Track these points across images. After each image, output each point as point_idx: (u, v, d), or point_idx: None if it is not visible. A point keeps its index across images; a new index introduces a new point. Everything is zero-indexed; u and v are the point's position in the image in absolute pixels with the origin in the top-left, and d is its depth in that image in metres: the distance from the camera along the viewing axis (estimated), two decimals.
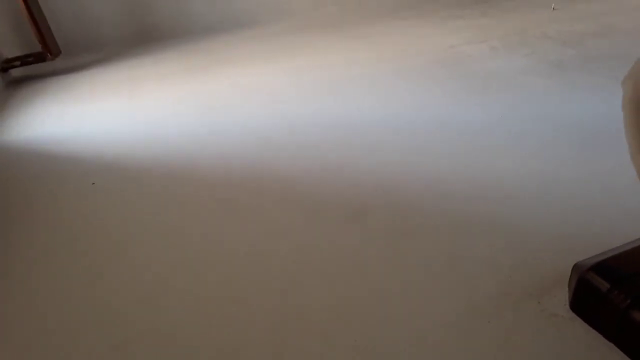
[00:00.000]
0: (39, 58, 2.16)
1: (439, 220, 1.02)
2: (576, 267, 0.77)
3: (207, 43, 2.45)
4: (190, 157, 1.42)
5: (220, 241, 1.05)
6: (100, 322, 0.88)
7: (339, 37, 2.32)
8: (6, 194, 1.35)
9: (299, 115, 1.58)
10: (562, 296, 0.79)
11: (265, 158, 1.36)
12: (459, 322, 0.78)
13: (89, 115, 1.79)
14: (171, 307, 0.89)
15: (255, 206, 1.15)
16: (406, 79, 1.75)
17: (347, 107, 1.59)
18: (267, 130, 1.51)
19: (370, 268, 0.92)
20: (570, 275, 0.78)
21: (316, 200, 1.14)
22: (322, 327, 0.81)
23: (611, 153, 1.18)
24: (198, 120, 1.64)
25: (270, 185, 1.23)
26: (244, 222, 1.10)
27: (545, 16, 2.26)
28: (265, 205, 1.15)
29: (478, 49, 1.96)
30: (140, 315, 0.88)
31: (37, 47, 2.16)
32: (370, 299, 0.85)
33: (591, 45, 1.87)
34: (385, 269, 0.91)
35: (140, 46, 2.48)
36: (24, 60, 2.16)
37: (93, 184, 1.33)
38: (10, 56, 2.21)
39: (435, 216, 1.03)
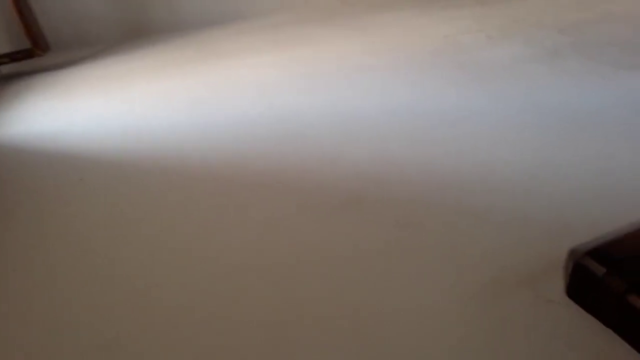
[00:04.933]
0: (27, 54, 2.14)
1: (432, 209, 1.00)
2: (572, 253, 0.75)
3: (199, 37, 2.42)
4: (181, 151, 1.39)
5: (213, 236, 1.02)
6: (87, 321, 0.85)
7: (333, 28, 2.29)
8: None
9: (293, 107, 1.55)
10: (558, 282, 0.77)
11: (258, 150, 1.33)
12: (453, 310, 0.76)
13: (78, 110, 1.77)
14: (161, 305, 0.87)
15: (249, 198, 1.13)
16: (402, 70, 1.72)
17: (342, 99, 1.57)
18: (260, 122, 1.48)
19: (365, 257, 0.90)
20: (566, 261, 0.76)
21: (311, 191, 1.12)
22: (320, 317, 0.79)
23: (607, 139, 1.16)
24: (189, 114, 1.61)
25: (264, 177, 1.21)
26: (238, 215, 1.07)
27: (542, 4, 2.23)
28: (259, 197, 1.13)
29: (474, 38, 1.93)
30: (128, 315, 0.86)
31: (26, 44, 2.14)
32: (366, 289, 0.83)
33: (588, 33, 1.84)
34: (380, 259, 0.89)
35: (130, 41, 2.46)
36: (13, 56, 2.14)
37: (81, 179, 1.30)
38: None
39: (429, 205, 1.01)
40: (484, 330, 0.72)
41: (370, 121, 1.40)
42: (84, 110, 1.77)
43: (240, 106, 1.61)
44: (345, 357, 0.72)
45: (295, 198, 1.11)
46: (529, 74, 1.57)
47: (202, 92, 1.78)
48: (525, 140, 1.20)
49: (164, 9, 2.50)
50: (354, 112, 1.46)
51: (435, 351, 0.71)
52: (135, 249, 1.02)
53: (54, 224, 1.15)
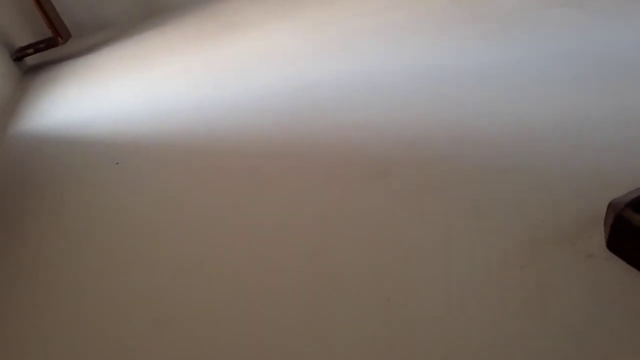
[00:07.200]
0: (50, 43, 2.16)
1: (464, 170, 0.99)
2: (612, 205, 0.74)
3: (214, 8, 2.40)
4: (209, 128, 1.41)
5: (246, 212, 1.05)
6: (138, 298, 0.90)
7: None
8: (32, 181, 1.38)
9: (313, 75, 1.54)
10: (598, 236, 0.77)
11: (282, 122, 1.34)
12: (492, 272, 0.77)
13: (106, 95, 1.80)
14: (206, 280, 0.91)
15: (277, 172, 1.15)
16: (420, 26, 1.68)
17: (361, 63, 1.55)
18: (282, 93, 1.48)
19: (397, 224, 0.91)
20: (606, 214, 0.75)
21: (338, 160, 1.13)
22: (354, 287, 0.81)
23: None
24: (213, 90, 1.62)
25: (291, 149, 1.22)
26: (269, 190, 1.09)
27: None
28: (287, 170, 1.14)
29: None
30: (177, 290, 0.90)
31: (48, 33, 2.16)
32: (400, 256, 0.84)
33: None
34: (413, 224, 0.90)
35: (148, 19, 2.46)
36: (36, 47, 2.16)
37: (117, 163, 1.34)
38: (22, 45, 2.22)
39: (461, 166, 1.01)
40: (525, 289, 0.73)
41: (394, 83, 1.38)
42: (112, 94, 1.79)
43: (262, 78, 1.61)
44: (382, 325, 0.74)
45: (323, 166, 1.12)
46: (555, 19, 1.51)
47: (224, 66, 1.77)
48: (554, 90, 1.16)
49: None
50: (377, 74, 1.44)
51: (477, 314, 0.72)
52: (176, 228, 1.06)
53: (99, 207, 1.19)
